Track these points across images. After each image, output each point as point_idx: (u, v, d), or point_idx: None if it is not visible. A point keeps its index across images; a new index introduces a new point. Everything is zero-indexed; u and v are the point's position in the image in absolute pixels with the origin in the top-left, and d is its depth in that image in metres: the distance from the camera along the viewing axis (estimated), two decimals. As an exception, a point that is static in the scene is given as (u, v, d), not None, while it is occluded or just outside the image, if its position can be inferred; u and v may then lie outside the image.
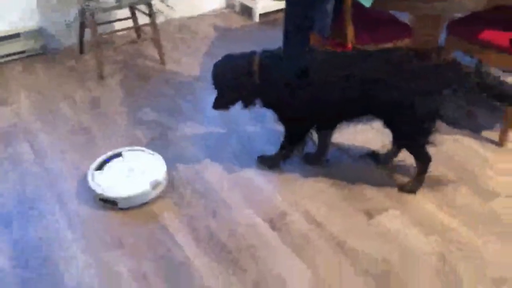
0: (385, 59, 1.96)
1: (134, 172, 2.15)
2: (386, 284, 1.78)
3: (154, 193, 2.10)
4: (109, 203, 2.06)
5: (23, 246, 1.91)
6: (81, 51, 3.34)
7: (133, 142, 2.47)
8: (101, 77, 3.06)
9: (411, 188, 2.18)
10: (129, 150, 2.30)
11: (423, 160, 2.13)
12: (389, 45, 2.39)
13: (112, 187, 2.07)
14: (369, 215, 2.09)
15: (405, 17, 2.66)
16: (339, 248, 1.92)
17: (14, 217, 2.04)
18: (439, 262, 1.85)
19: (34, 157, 2.38)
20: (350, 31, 2.21)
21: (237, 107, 2.14)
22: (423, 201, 2.15)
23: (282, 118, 2.17)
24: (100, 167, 2.19)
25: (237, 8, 4.04)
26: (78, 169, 2.29)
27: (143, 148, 2.32)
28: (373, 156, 2.39)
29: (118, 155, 2.25)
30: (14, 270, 1.81)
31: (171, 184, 2.22)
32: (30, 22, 3.22)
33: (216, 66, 2.06)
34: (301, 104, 2.03)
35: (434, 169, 2.24)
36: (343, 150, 2.44)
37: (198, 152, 2.42)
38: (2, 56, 3.18)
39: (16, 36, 3.18)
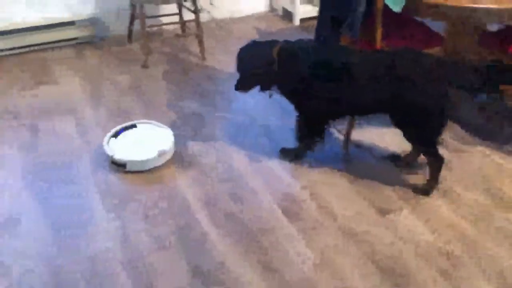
0: (413, 60, 2.04)
1: (144, 141, 2.42)
2: (392, 275, 1.84)
3: (160, 161, 2.34)
4: (119, 166, 2.31)
5: (60, 210, 2.11)
6: (130, 40, 3.56)
7: (166, 122, 2.64)
8: (145, 66, 3.27)
9: (424, 189, 2.24)
10: (143, 122, 2.56)
11: (435, 160, 2.18)
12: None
13: (122, 152, 2.33)
14: (382, 212, 2.16)
15: (436, 26, 2.71)
16: (349, 238, 2.00)
17: (54, 182, 2.25)
18: (446, 260, 1.90)
19: (76, 130, 2.60)
20: (379, 35, 2.29)
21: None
22: (439, 205, 2.20)
23: (297, 108, 2.30)
24: (115, 135, 2.46)
25: (279, 12, 4.19)
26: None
27: (156, 122, 2.57)
28: (393, 158, 2.45)
29: (133, 126, 2.53)
30: (51, 231, 2.00)
31: (199, 167, 2.38)
32: (84, 10, 3.47)
33: (241, 50, 2.22)
34: (314, 97, 2.16)
35: (459, 178, 2.31)
36: (366, 149, 2.52)
37: (226, 140, 2.57)
38: (57, 41, 3.44)
39: (71, 23, 3.44)
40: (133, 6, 3.30)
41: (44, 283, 1.77)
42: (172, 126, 2.64)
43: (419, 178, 2.33)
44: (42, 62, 3.25)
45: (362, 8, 2.20)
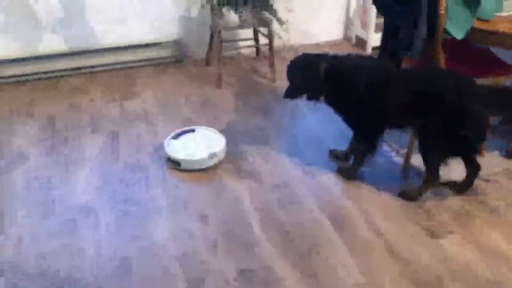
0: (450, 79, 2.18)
1: (199, 144, 2.71)
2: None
3: (211, 162, 2.60)
4: (175, 164, 2.60)
5: (127, 205, 2.35)
6: (207, 63, 3.84)
7: (231, 135, 2.84)
8: (218, 85, 3.51)
9: (411, 195, 2.37)
10: (201, 128, 2.86)
11: (433, 175, 2.31)
12: (481, 79, 2.44)
13: (178, 152, 2.63)
14: (432, 235, 2.15)
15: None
16: (393, 258, 2.03)
17: (123, 177, 2.50)
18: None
19: (148, 137, 2.87)
20: (441, 59, 2.31)
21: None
22: (490, 229, 2.16)
23: (344, 120, 2.42)
24: (176, 137, 2.76)
25: (353, 40, 4.28)
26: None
27: (212, 128, 2.85)
28: (450, 185, 2.44)
29: (192, 130, 2.83)
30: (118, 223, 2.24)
31: (257, 176, 2.53)
32: (169, 33, 3.81)
33: (291, 61, 2.40)
34: (358, 110, 2.29)
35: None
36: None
37: (285, 153, 2.71)
38: (143, 60, 3.80)
39: (157, 44, 3.79)
40: (212, 31, 3.58)
41: (115, 266, 1.99)
42: (236, 138, 2.84)
43: (471, 202, 2.31)
44: (128, 79, 3.61)
45: (422, 31, 2.24)
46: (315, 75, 2.29)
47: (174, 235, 2.15)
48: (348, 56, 2.38)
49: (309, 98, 2.42)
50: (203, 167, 2.58)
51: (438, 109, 2.14)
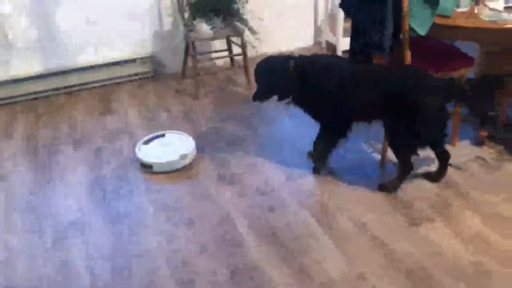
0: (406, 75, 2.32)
1: (170, 147, 2.82)
2: (419, 283, 1.92)
3: (181, 163, 2.72)
4: (147, 167, 2.71)
5: (114, 212, 2.38)
6: (183, 75, 3.90)
7: (212, 144, 2.93)
8: (196, 97, 3.58)
9: (389, 187, 2.47)
10: (170, 132, 2.98)
11: (407, 167, 2.43)
12: (449, 74, 2.57)
13: (150, 155, 2.74)
14: (414, 224, 2.25)
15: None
16: (378, 248, 2.12)
17: (108, 190, 2.54)
18: (474, 270, 1.96)
19: (130, 148, 2.92)
20: (407, 56, 2.43)
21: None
22: (467, 214, 2.28)
23: (313, 117, 2.53)
24: (146, 142, 2.88)
25: (323, 45, 4.41)
26: (166, 164, 2.76)
27: (181, 132, 2.97)
28: (425, 175, 2.57)
29: (162, 135, 2.95)
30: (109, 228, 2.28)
31: (239, 182, 2.59)
32: (144, 49, 3.87)
33: (258, 63, 2.47)
34: (326, 106, 2.40)
35: (491, 191, 2.41)
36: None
37: (264, 158, 2.78)
38: (120, 77, 3.84)
39: (132, 61, 3.85)
40: (186, 43, 3.65)
41: (108, 276, 2.02)
42: (216, 145, 2.93)
43: (447, 190, 2.43)
44: (106, 96, 3.65)
45: (389, 30, 2.36)
46: (284, 74, 2.36)
47: (163, 240, 2.20)
48: (315, 55, 2.48)
49: (280, 98, 2.48)
50: (174, 168, 2.70)
51: (397, 105, 2.26)
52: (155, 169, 2.68)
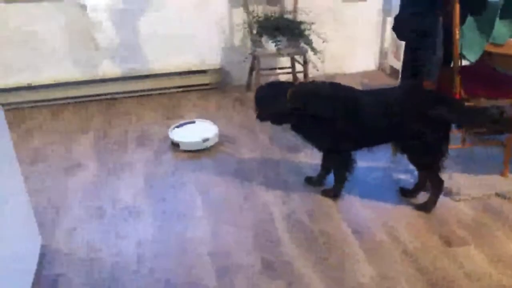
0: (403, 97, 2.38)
1: (196, 131, 3.32)
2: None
3: (204, 145, 3.20)
4: (175, 145, 3.22)
5: (166, 204, 2.64)
6: (248, 89, 4.16)
7: (264, 154, 3.12)
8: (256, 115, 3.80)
9: (424, 207, 2.51)
10: (200, 120, 3.52)
11: (437, 183, 2.45)
12: (500, 101, 2.59)
13: (178, 136, 3.27)
14: (448, 243, 2.29)
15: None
16: (410, 262, 2.18)
17: (164, 183, 2.81)
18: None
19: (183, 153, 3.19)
20: (457, 81, 2.50)
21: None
22: (505, 240, 2.27)
23: (313, 144, 2.60)
24: (179, 126, 3.41)
25: (387, 70, 4.50)
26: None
27: (209, 121, 3.45)
28: (404, 191, 2.66)
29: (193, 122, 3.48)
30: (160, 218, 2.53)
31: (285, 186, 2.76)
32: (213, 61, 4.18)
33: (257, 88, 2.60)
34: (325, 134, 2.46)
35: None
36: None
37: (312, 166, 2.91)
38: (190, 86, 4.17)
39: (204, 71, 4.16)
40: (252, 58, 3.90)
41: (155, 255, 2.26)
42: (268, 152, 3.13)
43: (487, 215, 2.45)
44: (174, 102, 3.97)
45: (438, 55, 2.45)
46: (281, 100, 2.42)
47: (207, 231, 2.41)
48: (317, 83, 2.51)
49: (276, 123, 2.58)
50: (199, 148, 3.18)
51: (405, 125, 2.33)
52: (181, 147, 3.17)
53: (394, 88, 2.60)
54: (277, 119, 2.57)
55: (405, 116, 2.32)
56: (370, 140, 2.49)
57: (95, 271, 2.16)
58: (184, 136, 3.26)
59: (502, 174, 2.79)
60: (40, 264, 2.19)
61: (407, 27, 2.51)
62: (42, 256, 2.24)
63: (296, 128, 2.57)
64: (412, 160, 2.46)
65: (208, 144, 3.20)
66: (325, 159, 2.70)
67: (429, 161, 2.41)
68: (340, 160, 2.57)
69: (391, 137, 2.45)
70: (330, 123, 2.41)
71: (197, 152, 3.17)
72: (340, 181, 2.63)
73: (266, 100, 2.51)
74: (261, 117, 2.56)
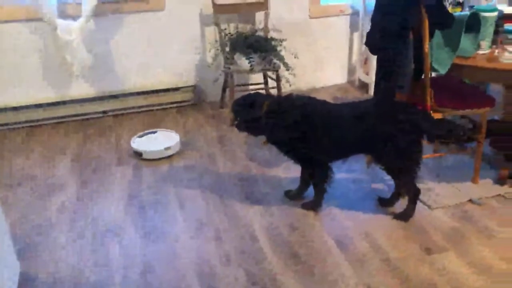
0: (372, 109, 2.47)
1: (158, 140, 3.47)
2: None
3: (166, 153, 3.33)
4: (137, 154, 3.33)
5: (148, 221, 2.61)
6: (221, 106, 4.18)
7: (242, 169, 3.14)
8: (232, 124, 3.81)
9: (402, 216, 2.58)
10: (161, 130, 3.63)
11: (413, 192, 2.54)
12: (467, 111, 2.70)
13: (140, 145, 3.40)
14: (428, 251, 2.35)
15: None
16: (392, 271, 2.23)
17: (145, 201, 2.78)
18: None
19: (168, 165, 3.19)
20: (428, 93, 2.60)
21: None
22: (481, 247, 2.36)
23: (288, 155, 2.64)
24: (140, 136, 3.52)
25: (356, 83, 4.62)
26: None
27: (171, 130, 3.58)
28: (382, 201, 2.73)
29: (154, 132, 3.61)
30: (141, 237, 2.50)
31: (266, 202, 2.78)
32: (187, 79, 4.19)
33: (236, 99, 2.63)
34: (298, 145, 2.51)
35: (508, 225, 2.51)
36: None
37: (292, 182, 2.94)
38: (165, 104, 4.16)
39: (177, 89, 4.16)
40: (225, 75, 3.94)
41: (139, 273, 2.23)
42: (246, 168, 3.15)
43: (463, 222, 2.53)
44: (150, 120, 3.96)
45: (409, 68, 2.54)
46: (256, 111, 2.47)
47: (192, 252, 2.39)
48: (291, 96, 2.55)
49: (252, 133, 2.65)
50: (161, 156, 3.30)
51: (377, 134, 2.41)
52: (144, 156, 3.30)
53: (367, 100, 2.69)
54: (253, 130, 2.60)
55: (377, 122, 2.40)
56: (344, 151, 2.57)
57: (79, 296, 2.12)
58: (146, 145, 3.39)
59: (473, 180, 2.89)
60: (20, 291, 2.13)
61: (379, 41, 2.60)
62: (22, 284, 2.18)
63: (272, 140, 2.61)
64: (387, 167, 2.53)
65: (170, 152, 3.34)
66: (303, 172, 2.73)
67: (402, 167, 2.47)
68: (318, 172, 2.61)
69: (364, 146, 2.51)
70: (304, 135, 2.46)
71: (176, 168, 3.18)
72: (320, 193, 2.67)
73: (242, 110, 2.55)
74: (238, 126, 2.59)
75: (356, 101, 2.70)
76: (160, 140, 3.45)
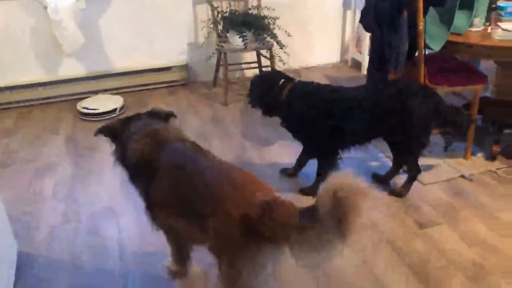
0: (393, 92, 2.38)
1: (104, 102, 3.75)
2: (425, 279, 2.06)
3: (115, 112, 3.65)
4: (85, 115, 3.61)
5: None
6: (214, 84, 4.17)
7: (237, 148, 3.14)
8: (225, 103, 3.82)
9: (399, 192, 2.60)
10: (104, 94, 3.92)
11: (415, 171, 2.56)
12: (461, 88, 2.73)
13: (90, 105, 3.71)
14: (421, 225, 2.40)
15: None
16: (387, 244, 2.27)
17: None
18: (476, 268, 2.10)
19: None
20: (422, 71, 2.61)
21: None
22: (475, 221, 2.40)
23: (301, 141, 2.63)
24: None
25: (349, 63, 4.62)
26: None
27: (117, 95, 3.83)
28: (377, 177, 2.76)
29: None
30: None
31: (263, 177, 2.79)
32: (179, 58, 4.16)
33: (255, 76, 2.60)
34: (312, 129, 2.47)
35: (500, 199, 2.56)
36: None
37: (286, 160, 2.97)
38: (157, 83, 4.14)
39: (168, 69, 4.14)
40: (218, 54, 3.91)
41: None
42: (243, 145, 3.15)
43: (455, 197, 2.58)
44: (142, 99, 3.94)
45: (404, 47, 2.55)
46: (273, 89, 2.45)
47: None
48: (312, 83, 2.51)
49: (265, 113, 2.59)
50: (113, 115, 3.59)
51: (391, 118, 2.36)
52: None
53: (386, 83, 2.60)
54: (268, 111, 2.57)
55: (398, 106, 2.33)
56: (359, 138, 2.52)
57: (78, 274, 2.13)
58: (96, 106, 3.64)
59: (465, 157, 2.94)
60: (18, 270, 2.14)
61: (373, 19, 2.59)
62: (20, 262, 2.19)
63: (287, 125, 2.58)
64: (397, 148, 2.54)
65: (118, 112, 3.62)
66: (303, 154, 2.73)
67: (413, 148, 2.48)
68: (326, 161, 2.57)
69: (381, 131, 2.47)
70: (321, 122, 2.41)
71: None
72: (322, 180, 2.64)
73: (260, 89, 2.51)
74: (253, 103, 2.56)
75: (371, 86, 2.65)
76: (106, 102, 3.70)
